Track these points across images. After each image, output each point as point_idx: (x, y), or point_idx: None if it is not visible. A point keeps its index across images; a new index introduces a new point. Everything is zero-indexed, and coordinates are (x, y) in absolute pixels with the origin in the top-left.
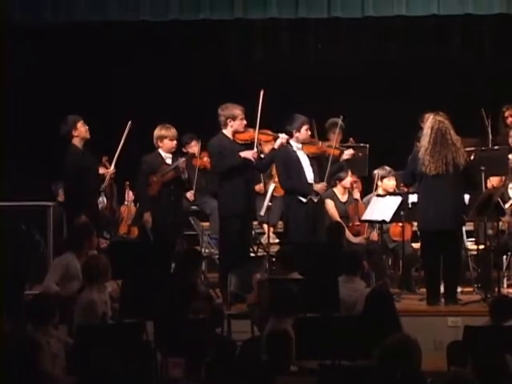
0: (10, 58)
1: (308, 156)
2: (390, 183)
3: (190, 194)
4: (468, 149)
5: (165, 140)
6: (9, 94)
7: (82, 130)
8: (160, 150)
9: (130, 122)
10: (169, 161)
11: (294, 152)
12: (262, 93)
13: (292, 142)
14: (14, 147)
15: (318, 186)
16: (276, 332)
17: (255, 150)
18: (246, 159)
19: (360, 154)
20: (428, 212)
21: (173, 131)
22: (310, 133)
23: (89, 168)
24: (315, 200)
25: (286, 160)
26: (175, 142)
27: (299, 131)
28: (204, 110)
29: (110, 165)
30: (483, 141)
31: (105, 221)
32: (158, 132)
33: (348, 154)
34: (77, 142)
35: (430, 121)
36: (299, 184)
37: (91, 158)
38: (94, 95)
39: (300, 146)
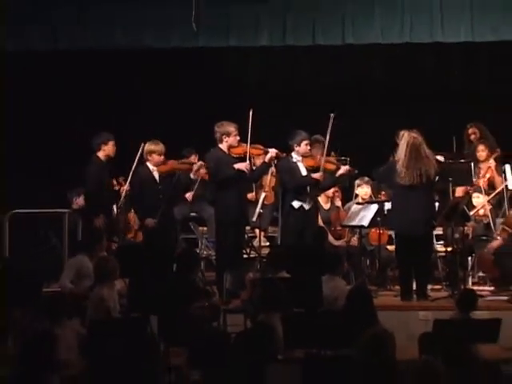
0: (32, 82)
1: (306, 168)
2: (363, 190)
3: (188, 195)
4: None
5: (153, 154)
6: (34, 119)
7: (110, 148)
8: (148, 164)
9: (143, 144)
10: (155, 173)
11: (294, 163)
12: (251, 113)
13: (293, 154)
14: (33, 162)
15: (317, 175)
16: (265, 324)
17: (248, 162)
18: (239, 170)
19: (356, 172)
20: (403, 218)
21: (161, 146)
22: (309, 147)
23: (107, 179)
24: (306, 208)
25: (287, 168)
26: (162, 156)
27: (299, 145)
28: (202, 127)
29: (125, 183)
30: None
31: (117, 227)
32: (147, 147)
33: (344, 169)
34: (101, 155)
35: (405, 137)
36: (301, 179)
37: (109, 172)
38: (107, 117)
39: (300, 158)
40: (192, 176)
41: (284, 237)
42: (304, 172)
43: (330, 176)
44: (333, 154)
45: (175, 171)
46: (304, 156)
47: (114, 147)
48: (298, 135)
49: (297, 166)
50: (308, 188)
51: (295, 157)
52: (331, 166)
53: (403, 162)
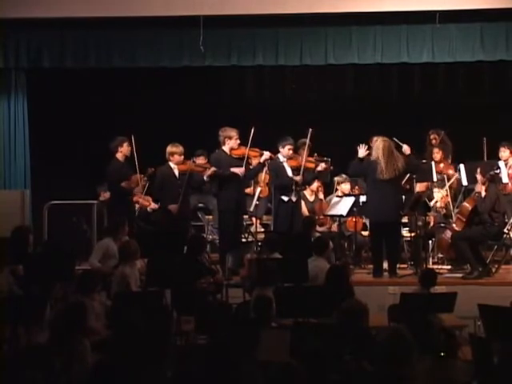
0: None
1: (291, 168)
2: (345, 187)
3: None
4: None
5: (175, 155)
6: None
7: (125, 149)
8: (170, 163)
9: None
10: (176, 171)
11: (281, 163)
12: (252, 130)
13: (279, 155)
14: (67, 163)
15: (297, 178)
16: (260, 297)
17: (243, 168)
18: (234, 173)
19: (331, 168)
20: (376, 208)
21: (180, 148)
22: (291, 151)
23: (126, 176)
24: (294, 200)
25: (276, 168)
26: (182, 156)
27: (283, 148)
28: (208, 132)
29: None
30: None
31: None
32: (169, 149)
33: (322, 166)
34: (120, 156)
35: (380, 142)
36: (284, 180)
37: (128, 169)
38: (129, 124)
39: (285, 159)
40: (205, 178)
41: (276, 224)
42: (289, 171)
43: (311, 173)
44: (316, 155)
45: (192, 171)
46: (288, 158)
47: (128, 147)
48: (283, 140)
49: (283, 166)
50: (293, 185)
51: (281, 158)
52: (311, 165)
53: (383, 161)
